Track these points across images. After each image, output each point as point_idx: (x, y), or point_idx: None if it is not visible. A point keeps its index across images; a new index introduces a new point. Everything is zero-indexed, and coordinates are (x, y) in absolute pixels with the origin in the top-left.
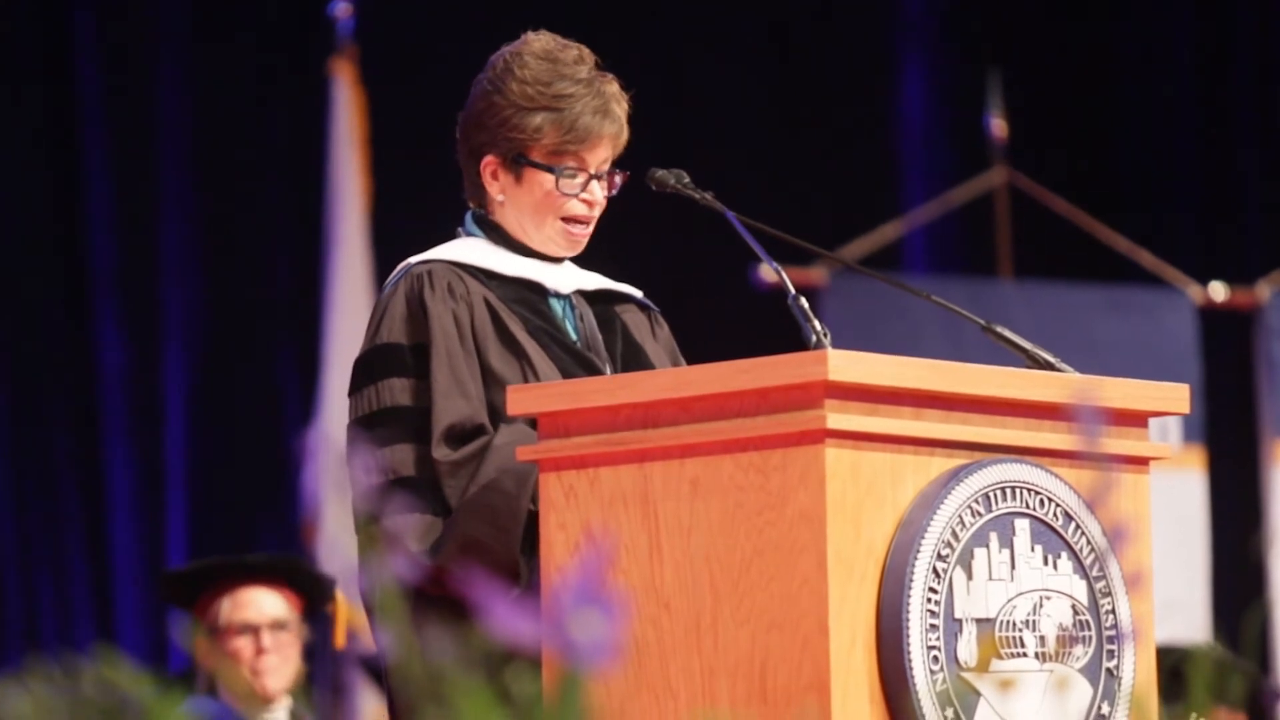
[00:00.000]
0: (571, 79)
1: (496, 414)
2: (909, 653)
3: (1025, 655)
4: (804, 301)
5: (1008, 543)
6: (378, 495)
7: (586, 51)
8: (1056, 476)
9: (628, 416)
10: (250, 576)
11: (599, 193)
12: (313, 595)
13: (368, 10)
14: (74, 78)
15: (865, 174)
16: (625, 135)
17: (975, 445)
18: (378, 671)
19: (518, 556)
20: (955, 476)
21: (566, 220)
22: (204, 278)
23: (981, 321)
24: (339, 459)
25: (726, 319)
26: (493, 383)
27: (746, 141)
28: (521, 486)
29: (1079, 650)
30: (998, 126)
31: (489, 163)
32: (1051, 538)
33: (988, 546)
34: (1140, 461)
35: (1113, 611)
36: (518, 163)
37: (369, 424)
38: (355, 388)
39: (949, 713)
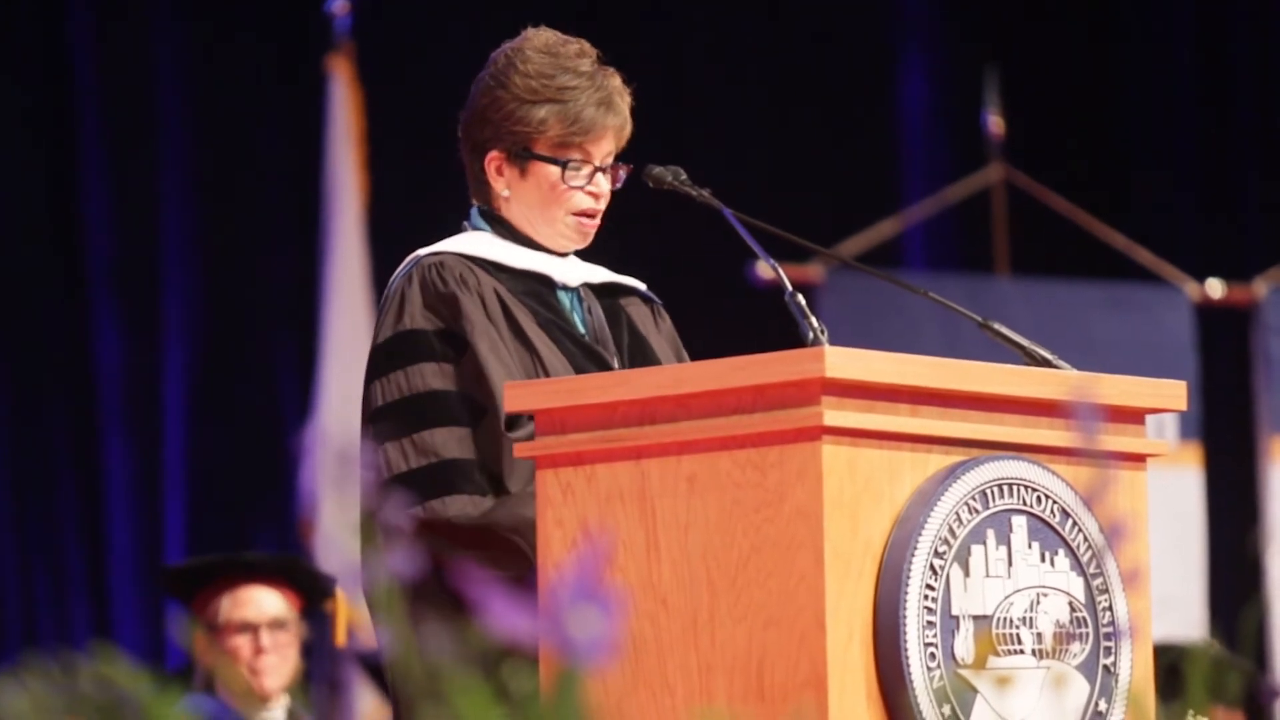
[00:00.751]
0: (574, 72)
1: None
2: (906, 649)
3: (1022, 652)
4: (801, 298)
5: (1005, 540)
6: (416, 478)
7: (588, 45)
8: (1054, 473)
9: (625, 413)
10: (250, 575)
11: (605, 185)
12: (312, 593)
13: (365, 7)
14: (71, 74)
15: (863, 171)
16: (629, 128)
17: (972, 442)
18: (376, 669)
19: None
20: (952, 473)
21: (576, 214)
22: (202, 274)
23: (979, 318)
24: (346, 450)
25: (723, 316)
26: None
27: (744, 138)
28: None
29: (1076, 647)
30: (995, 123)
31: (494, 158)
32: (1049, 535)
33: (985, 543)
34: (1137, 458)
35: (1110, 608)
36: (523, 157)
37: (401, 409)
38: (379, 374)
39: (946, 710)
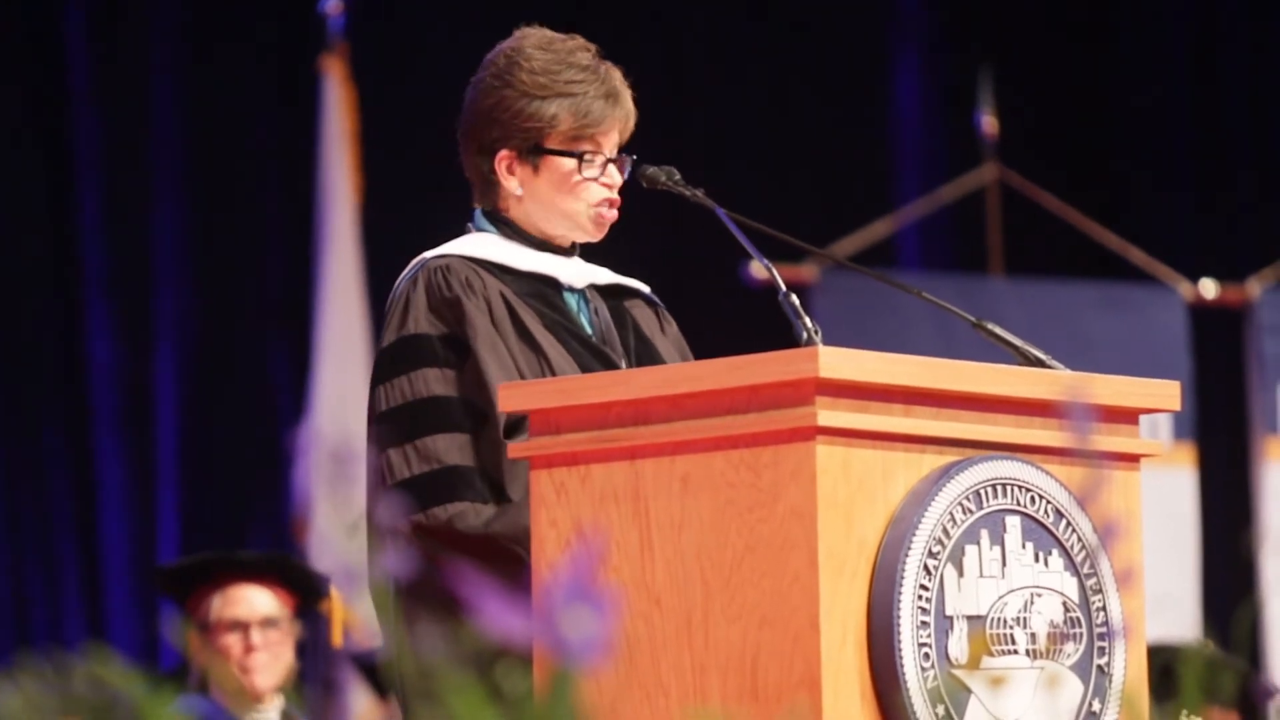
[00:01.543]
0: (577, 66)
1: None
2: (900, 650)
3: (1016, 652)
4: (795, 298)
5: (999, 540)
6: (419, 484)
7: (584, 40)
8: (1047, 474)
9: (619, 413)
10: (242, 573)
11: (617, 175)
12: (305, 593)
13: (358, 8)
14: (65, 75)
15: (857, 170)
16: (633, 120)
17: (966, 442)
18: (371, 670)
19: None
20: (946, 473)
21: (594, 205)
22: (195, 275)
23: (972, 318)
24: (339, 450)
25: (717, 316)
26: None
27: (738, 137)
28: None
29: (1070, 647)
30: (989, 124)
31: (504, 157)
32: (1042, 535)
33: (979, 543)
34: (1131, 458)
35: (1103, 608)
36: (535, 152)
37: (404, 414)
38: (383, 378)
39: (940, 710)
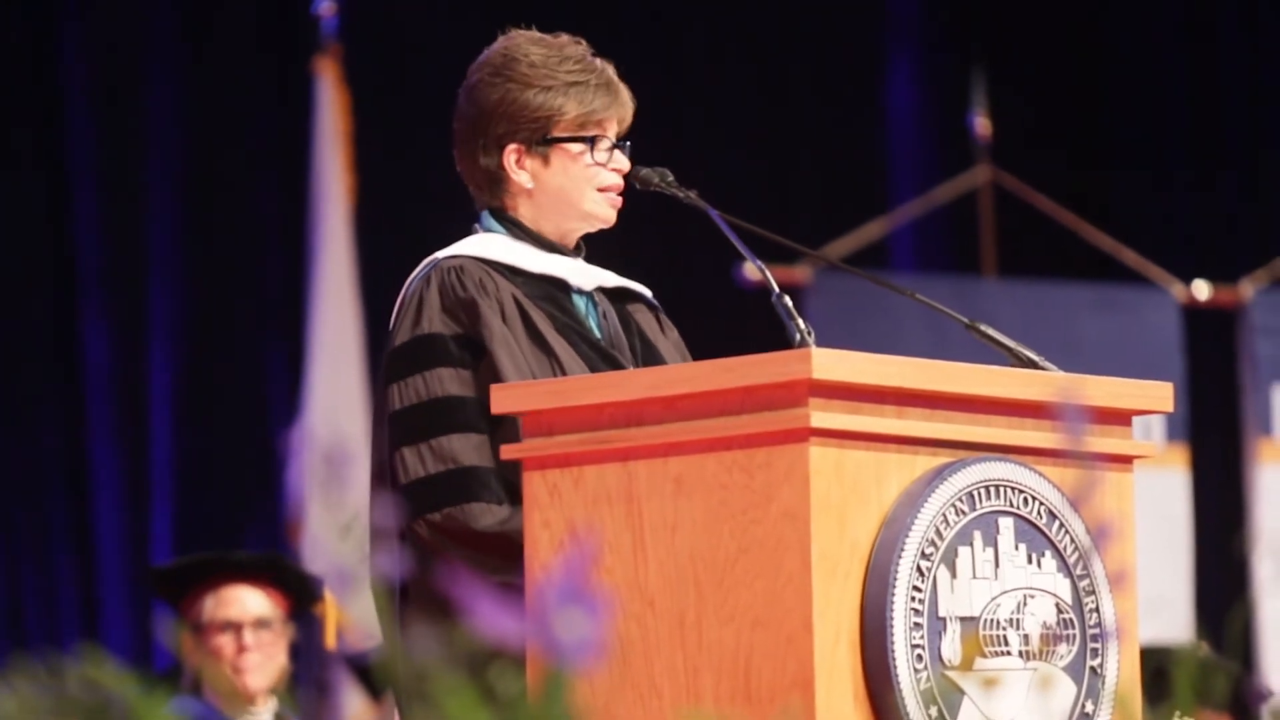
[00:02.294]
0: (573, 59)
1: None
2: (893, 651)
3: (1009, 654)
4: (788, 300)
5: (992, 541)
6: (434, 484)
7: (571, 37)
8: (1040, 475)
9: (612, 415)
10: (236, 574)
11: (625, 161)
12: (299, 594)
13: (352, 9)
14: (60, 76)
15: (850, 172)
16: (630, 111)
17: (959, 444)
18: (364, 671)
19: None
20: (939, 475)
21: (603, 190)
22: (189, 275)
23: (965, 320)
24: (333, 451)
25: (710, 317)
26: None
27: (731, 139)
28: None
29: (1063, 649)
30: (982, 125)
31: (512, 150)
32: (1035, 536)
33: (972, 545)
34: (1124, 460)
35: (1096, 610)
36: (545, 143)
37: (419, 413)
38: (396, 377)
39: (933, 711)
